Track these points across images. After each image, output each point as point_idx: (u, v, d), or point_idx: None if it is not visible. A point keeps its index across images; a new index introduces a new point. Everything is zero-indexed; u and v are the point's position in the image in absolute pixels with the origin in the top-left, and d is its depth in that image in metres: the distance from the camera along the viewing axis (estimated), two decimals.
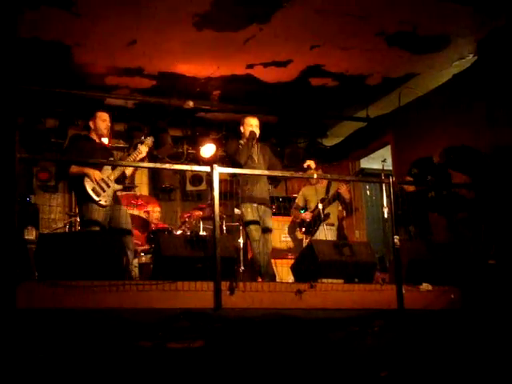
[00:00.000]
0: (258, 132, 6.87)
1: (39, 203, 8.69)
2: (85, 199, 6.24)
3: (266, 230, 6.77)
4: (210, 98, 9.20)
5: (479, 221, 6.83)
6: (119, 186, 6.46)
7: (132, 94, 8.99)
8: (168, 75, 8.46)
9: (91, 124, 6.58)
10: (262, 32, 7.30)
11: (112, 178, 6.35)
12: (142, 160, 6.44)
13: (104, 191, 6.25)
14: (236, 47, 7.65)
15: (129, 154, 6.70)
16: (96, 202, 6.18)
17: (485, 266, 6.26)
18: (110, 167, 6.39)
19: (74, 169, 6.26)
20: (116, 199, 6.45)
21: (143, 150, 6.42)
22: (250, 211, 6.65)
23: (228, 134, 9.60)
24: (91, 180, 6.22)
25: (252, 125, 6.87)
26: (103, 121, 6.59)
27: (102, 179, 6.27)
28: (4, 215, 4.36)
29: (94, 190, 6.22)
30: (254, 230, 6.64)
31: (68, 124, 9.22)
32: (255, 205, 6.69)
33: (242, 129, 6.94)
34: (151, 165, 6.49)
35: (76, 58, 7.84)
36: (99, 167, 6.30)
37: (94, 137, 6.59)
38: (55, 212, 9.19)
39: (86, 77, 8.37)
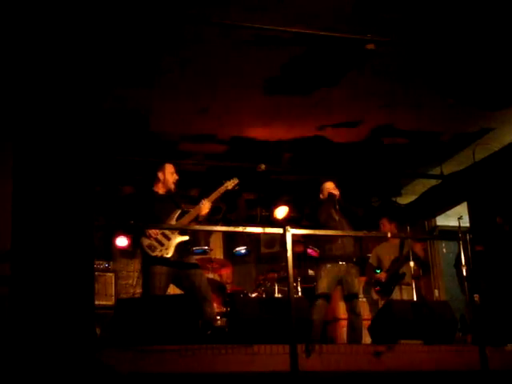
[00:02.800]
0: (336, 193, 6.91)
1: (117, 269, 8.85)
2: (145, 259, 6.21)
3: (352, 298, 6.72)
4: (282, 161, 9.29)
5: None
6: (184, 237, 6.28)
7: (205, 159, 9.16)
8: (240, 140, 8.62)
9: (160, 175, 6.50)
10: (331, 94, 7.38)
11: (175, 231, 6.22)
12: (215, 222, 6.39)
13: (162, 245, 6.15)
14: (305, 110, 7.76)
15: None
16: (157, 260, 6.09)
17: None
18: (175, 217, 6.29)
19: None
20: (182, 252, 6.27)
21: (224, 188, 6.40)
22: (325, 279, 6.62)
23: (300, 196, 9.63)
24: (147, 236, 6.16)
25: (329, 188, 6.96)
26: (172, 173, 6.52)
27: (163, 233, 6.17)
28: (83, 282, 4.47)
29: (149, 246, 6.15)
30: (320, 306, 6.61)
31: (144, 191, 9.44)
32: (337, 263, 6.67)
33: (321, 195, 7.07)
34: (225, 228, 6.56)
35: (152, 126, 8.09)
36: (163, 220, 6.23)
37: (160, 189, 6.51)
38: (133, 277, 9.36)
39: (161, 144, 8.60)
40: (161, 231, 6.19)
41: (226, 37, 6.20)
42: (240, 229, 6.37)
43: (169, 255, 6.15)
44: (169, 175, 6.50)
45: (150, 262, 6.17)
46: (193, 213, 6.34)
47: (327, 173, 8.02)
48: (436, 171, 9.66)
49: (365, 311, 7.96)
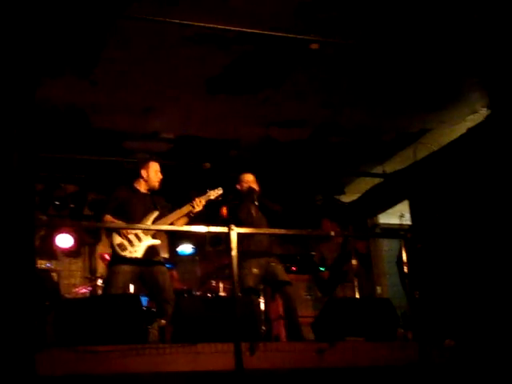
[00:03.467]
0: (256, 187, 6.78)
1: (59, 268, 8.72)
2: (113, 255, 6.14)
3: (283, 284, 6.60)
4: (227, 159, 9.30)
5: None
6: (155, 241, 6.22)
7: (151, 157, 9.10)
8: (184, 138, 8.60)
9: (143, 173, 6.38)
10: (275, 94, 7.43)
11: (149, 232, 6.15)
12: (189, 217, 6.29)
13: (133, 246, 6.09)
14: (250, 110, 7.80)
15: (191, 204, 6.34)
16: (123, 259, 6.04)
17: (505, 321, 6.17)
18: (151, 218, 6.21)
19: (108, 219, 6.16)
20: (150, 261, 6.20)
21: (207, 197, 6.34)
22: (250, 274, 6.51)
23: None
24: (119, 234, 6.09)
25: (250, 181, 6.81)
26: (156, 172, 6.41)
27: (135, 233, 6.10)
28: (24, 281, 4.40)
29: (120, 244, 6.08)
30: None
31: (88, 190, 9.33)
32: (257, 259, 6.56)
33: (238, 186, 6.88)
34: (170, 227, 6.50)
35: (94, 123, 8.01)
36: (138, 218, 6.16)
37: (142, 187, 6.40)
38: (75, 277, 9.24)
39: (105, 142, 8.52)
40: (134, 231, 6.11)
41: (169, 35, 6.18)
42: (185, 228, 6.35)
43: (138, 256, 6.09)
44: (153, 174, 6.41)
45: (116, 261, 6.11)
46: (178, 213, 6.27)
47: (272, 171, 8.03)
48: (378, 170, 9.83)
49: (308, 309, 8.05)
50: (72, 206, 9.23)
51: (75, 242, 9.24)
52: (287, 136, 8.65)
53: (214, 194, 6.45)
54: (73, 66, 6.70)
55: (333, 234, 7.15)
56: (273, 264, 6.59)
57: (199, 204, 6.29)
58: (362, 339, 5.85)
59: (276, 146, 8.84)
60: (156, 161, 6.57)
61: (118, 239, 6.11)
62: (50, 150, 8.24)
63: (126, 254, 6.07)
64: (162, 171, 6.48)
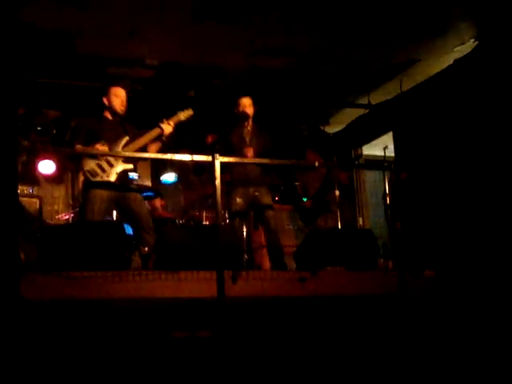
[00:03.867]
0: (250, 112, 6.77)
1: (42, 195, 8.70)
2: (85, 182, 6.06)
3: (265, 208, 6.65)
4: (212, 87, 9.20)
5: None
6: (127, 166, 6.15)
7: (133, 84, 8.98)
8: (169, 65, 8.46)
9: (105, 101, 6.26)
10: (261, 20, 7.29)
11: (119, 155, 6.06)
12: (161, 141, 6.19)
13: (104, 171, 6.01)
14: (236, 36, 7.65)
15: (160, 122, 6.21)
16: (97, 184, 5.97)
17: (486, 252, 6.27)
18: (121, 144, 6.09)
19: (80, 150, 6.05)
20: (126, 187, 6.17)
21: (176, 119, 6.22)
22: (235, 199, 6.59)
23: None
24: (90, 157, 5.98)
25: (245, 105, 6.76)
26: (117, 97, 6.27)
27: (106, 159, 6.00)
28: (6, 206, 4.37)
29: (90, 171, 5.99)
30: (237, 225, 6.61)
31: (70, 116, 9.21)
32: (248, 188, 6.64)
33: (235, 110, 6.84)
34: (153, 155, 6.44)
35: (79, 48, 7.85)
36: (108, 143, 6.02)
37: (108, 115, 6.28)
38: (58, 203, 9.23)
39: (89, 67, 8.37)
40: (105, 157, 6.00)
41: None
42: (168, 156, 6.30)
43: (108, 178, 6.01)
44: (114, 99, 6.26)
45: (89, 186, 6.03)
46: (147, 136, 6.16)
47: (258, 100, 7.93)
48: (364, 101, 9.77)
49: (290, 239, 8.12)
50: (54, 131, 9.12)
51: (57, 168, 9.19)
52: (273, 64, 8.53)
53: (184, 114, 6.31)
54: None
55: (317, 164, 7.14)
56: (257, 194, 6.62)
57: (168, 125, 6.17)
58: (343, 268, 5.93)
59: (262, 75, 8.72)
60: (118, 85, 6.42)
61: (88, 165, 6.01)
62: (33, 75, 8.12)
63: (98, 178, 6.00)
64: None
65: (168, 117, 6.29)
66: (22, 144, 8.27)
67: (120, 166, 6.11)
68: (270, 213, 6.64)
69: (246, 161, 6.54)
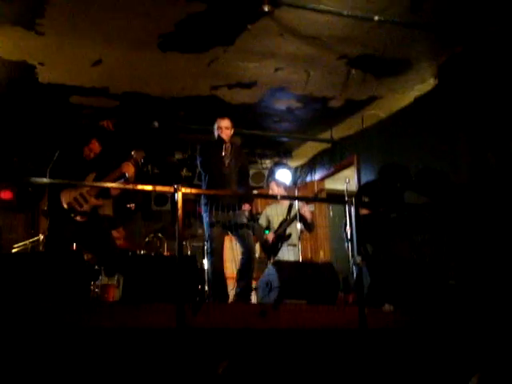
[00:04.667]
0: (227, 134, 6.72)
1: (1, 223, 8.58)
2: (57, 213, 6.12)
3: (240, 227, 6.64)
4: (175, 119, 9.23)
5: (440, 242, 6.90)
6: (99, 202, 6.30)
7: (97, 114, 8.97)
8: (133, 95, 8.48)
9: (86, 150, 6.40)
10: (226, 54, 7.37)
11: (92, 193, 6.21)
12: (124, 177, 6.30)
13: (81, 207, 6.13)
14: (201, 69, 7.71)
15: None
16: (69, 219, 6.07)
17: (445, 287, 6.34)
18: (90, 179, 6.23)
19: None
20: (94, 216, 6.28)
21: (133, 162, 6.37)
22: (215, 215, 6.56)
23: (193, 155, 9.60)
24: (69, 194, 6.10)
25: (222, 127, 6.72)
26: (95, 149, 6.42)
27: (81, 194, 6.14)
28: None
29: (69, 204, 6.10)
30: (217, 234, 6.57)
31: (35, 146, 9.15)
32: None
33: (215, 133, 6.80)
34: (115, 185, 6.43)
35: (41, 77, 7.83)
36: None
37: (87, 151, 6.39)
38: (16, 231, 9.12)
39: (52, 97, 8.35)
40: (79, 193, 6.15)
41: None
42: (131, 186, 6.29)
43: (83, 219, 6.15)
44: (94, 149, 6.41)
45: (61, 217, 6.12)
46: (112, 176, 6.28)
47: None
48: (326, 136, 9.89)
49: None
50: (15, 159, 9.05)
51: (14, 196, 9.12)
52: (236, 98, 8.61)
53: (139, 156, 6.48)
54: (17, 16, 6.51)
55: (279, 197, 7.17)
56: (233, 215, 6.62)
57: (129, 169, 6.32)
58: (304, 302, 5.94)
59: (224, 107, 8.78)
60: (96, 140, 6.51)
61: (66, 198, 6.12)
62: None
63: (77, 217, 6.12)
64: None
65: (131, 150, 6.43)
66: None
67: (94, 202, 6.25)
68: (246, 231, 6.70)
69: (205, 192, 6.55)
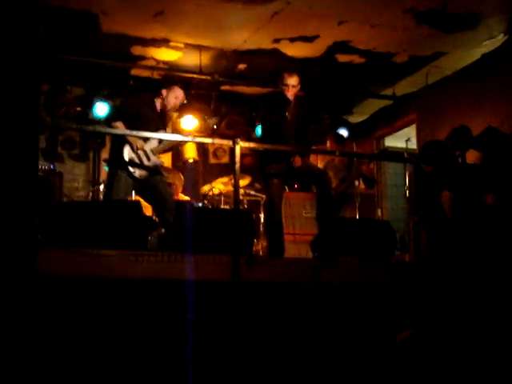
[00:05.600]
0: (293, 92, 6.45)
1: (63, 171, 8.73)
2: (118, 166, 6.17)
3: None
4: (236, 71, 9.17)
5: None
6: (160, 161, 6.40)
7: (158, 65, 8.99)
8: (194, 47, 8.45)
9: (164, 93, 6.40)
10: (289, 6, 7.24)
11: (155, 150, 6.26)
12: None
13: (142, 164, 6.19)
14: (263, 21, 7.61)
15: None
16: (129, 173, 6.14)
17: None
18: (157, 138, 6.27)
19: (120, 126, 6.08)
20: (152, 170, 6.32)
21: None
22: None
23: (252, 109, 9.57)
24: (132, 148, 6.15)
25: (289, 85, 6.42)
26: (176, 98, 6.43)
27: (144, 151, 6.20)
28: (26, 182, 4.39)
29: (131, 159, 6.14)
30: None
31: (94, 93, 9.23)
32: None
33: (280, 87, 6.52)
34: (174, 137, 6.47)
35: (103, 27, 7.86)
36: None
37: (158, 104, 6.42)
38: (78, 180, 9.29)
39: (113, 47, 8.38)
40: (143, 147, 6.18)
41: None
42: (189, 138, 6.31)
43: (141, 177, 6.20)
44: (172, 98, 6.42)
45: (120, 168, 6.16)
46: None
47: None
48: (388, 92, 9.71)
49: (309, 227, 8.10)
50: (78, 109, 9.16)
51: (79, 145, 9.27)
52: (298, 52, 8.49)
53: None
54: None
55: (337, 153, 7.09)
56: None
57: None
58: (359, 259, 5.92)
59: (286, 61, 8.66)
60: (181, 88, 6.52)
61: (128, 153, 6.16)
62: (59, 52, 8.16)
63: (135, 173, 6.17)
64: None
65: None
66: (45, 120, 8.32)
67: (156, 161, 6.32)
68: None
69: (265, 147, 6.48)
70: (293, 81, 6.46)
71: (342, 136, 9.10)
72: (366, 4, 7.17)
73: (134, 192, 6.58)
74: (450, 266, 5.97)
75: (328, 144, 7.92)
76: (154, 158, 6.27)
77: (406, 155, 6.43)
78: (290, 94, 6.47)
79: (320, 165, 8.64)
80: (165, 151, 6.61)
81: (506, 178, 6.50)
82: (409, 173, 6.34)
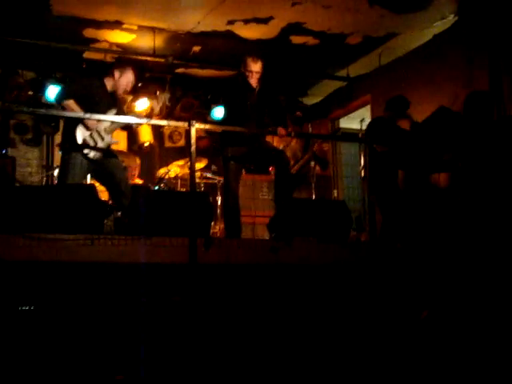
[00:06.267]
0: (257, 79, 6.49)
1: (16, 156, 8.59)
2: (71, 148, 6.04)
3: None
4: (190, 54, 9.12)
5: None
6: (114, 141, 6.26)
7: (111, 47, 8.87)
8: (148, 29, 8.36)
9: (116, 73, 6.24)
10: None
11: (109, 129, 6.13)
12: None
13: (96, 144, 6.06)
14: (216, 2, 7.57)
15: None
16: (83, 155, 6.01)
17: None
18: (110, 115, 6.11)
19: (72, 105, 5.94)
20: (107, 153, 6.21)
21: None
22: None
23: (207, 92, 9.52)
24: (85, 128, 6.01)
25: (252, 71, 6.47)
26: (127, 81, 6.29)
27: (98, 131, 6.06)
28: None
29: (84, 140, 6.01)
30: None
31: (45, 77, 9.08)
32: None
33: (242, 69, 6.56)
34: (129, 119, 6.40)
35: (54, 9, 7.72)
36: (100, 113, 5.95)
37: (109, 84, 6.26)
38: (32, 165, 9.15)
39: (65, 29, 8.25)
40: (96, 128, 6.05)
41: None
42: (144, 120, 6.27)
43: (95, 158, 6.07)
44: (124, 79, 6.26)
45: (74, 150, 6.03)
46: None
47: (235, 69, 7.86)
48: (342, 73, 9.76)
49: (265, 209, 8.15)
50: (30, 93, 9.00)
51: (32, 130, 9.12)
52: (252, 34, 8.47)
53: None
54: None
55: (293, 134, 7.10)
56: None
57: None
58: (315, 239, 5.97)
59: (240, 43, 8.64)
60: (134, 71, 6.37)
61: (81, 133, 6.04)
62: (9, 34, 8.00)
63: (89, 154, 6.04)
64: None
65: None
66: None
67: (109, 140, 6.17)
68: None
69: (219, 129, 6.47)
70: (257, 67, 6.47)
71: (298, 117, 9.12)
72: None
73: (89, 176, 6.52)
74: (405, 244, 6.05)
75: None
76: (107, 138, 6.15)
77: (360, 135, 6.47)
78: (254, 80, 6.48)
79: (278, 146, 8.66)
80: (119, 130, 6.50)
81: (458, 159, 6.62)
82: (363, 153, 6.40)
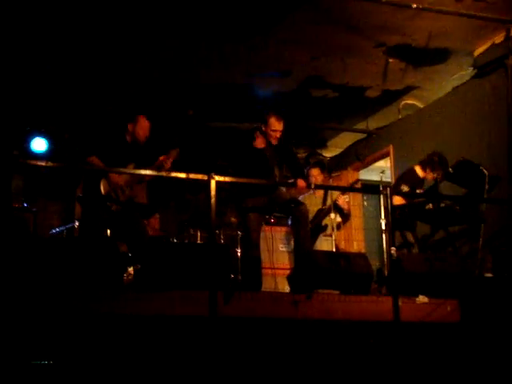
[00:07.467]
0: (277, 137, 6.41)
1: (37, 209, 8.63)
2: (93, 201, 6.09)
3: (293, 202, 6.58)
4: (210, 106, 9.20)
5: (476, 234, 6.79)
6: (135, 193, 6.30)
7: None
8: (167, 81, 8.46)
9: (130, 127, 6.26)
10: (262, 42, 7.31)
11: (130, 184, 6.18)
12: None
13: (118, 198, 6.11)
14: (235, 56, 7.67)
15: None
16: (105, 208, 6.05)
17: (482, 279, 6.23)
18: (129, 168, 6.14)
19: (95, 160, 5.98)
20: (129, 205, 6.24)
21: (170, 159, 6.17)
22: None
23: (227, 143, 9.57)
24: (108, 183, 6.07)
25: (276, 130, 6.37)
26: (141, 129, 6.28)
27: (120, 185, 6.12)
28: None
29: (108, 192, 6.07)
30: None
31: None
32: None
33: (263, 127, 6.45)
34: (148, 172, 6.41)
35: None
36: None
37: (128, 137, 6.28)
38: (52, 218, 9.20)
39: None
40: (119, 183, 6.11)
41: None
42: (163, 173, 6.28)
43: (117, 211, 6.11)
44: (139, 130, 6.25)
45: (96, 203, 6.08)
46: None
47: (254, 121, 7.91)
48: (362, 126, 9.80)
49: (285, 261, 8.07)
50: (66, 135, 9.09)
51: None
52: (271, 87, 8.54)
53: (174, 153, 6.27)
54: None
55: (313, 186, 7.08)
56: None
57: (167, 163, 6.16)
58: (337, 292, 5.90)
59: (259, 96, 8.71)
60: (145, 117, 6.37)
61: (105, 188, 6.08)
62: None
63: (112, 207, 6.08)
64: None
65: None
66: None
67: (130, 193, 6.23)
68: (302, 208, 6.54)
69: (241, 181, 6.47)
70: (280, 126, 6.42)
71: (325, 163, 9.16)
72: (337, 40, 7.27)
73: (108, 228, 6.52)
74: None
75: (314, 172, 7.90)
76: (128, 192, 6.21)
77: (381, 188, 6.44)
78: (274, 139, 6.46)
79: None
80: (139, 182, 6.54)
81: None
82: (384, 205, 6.36)
